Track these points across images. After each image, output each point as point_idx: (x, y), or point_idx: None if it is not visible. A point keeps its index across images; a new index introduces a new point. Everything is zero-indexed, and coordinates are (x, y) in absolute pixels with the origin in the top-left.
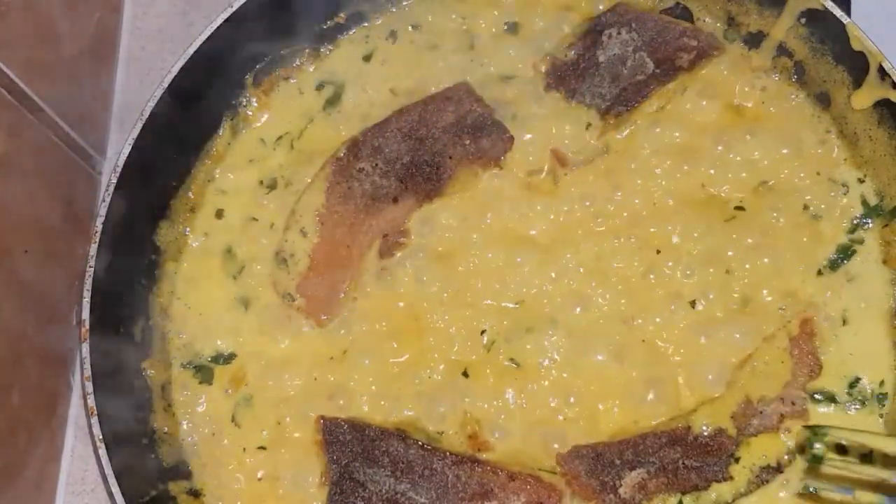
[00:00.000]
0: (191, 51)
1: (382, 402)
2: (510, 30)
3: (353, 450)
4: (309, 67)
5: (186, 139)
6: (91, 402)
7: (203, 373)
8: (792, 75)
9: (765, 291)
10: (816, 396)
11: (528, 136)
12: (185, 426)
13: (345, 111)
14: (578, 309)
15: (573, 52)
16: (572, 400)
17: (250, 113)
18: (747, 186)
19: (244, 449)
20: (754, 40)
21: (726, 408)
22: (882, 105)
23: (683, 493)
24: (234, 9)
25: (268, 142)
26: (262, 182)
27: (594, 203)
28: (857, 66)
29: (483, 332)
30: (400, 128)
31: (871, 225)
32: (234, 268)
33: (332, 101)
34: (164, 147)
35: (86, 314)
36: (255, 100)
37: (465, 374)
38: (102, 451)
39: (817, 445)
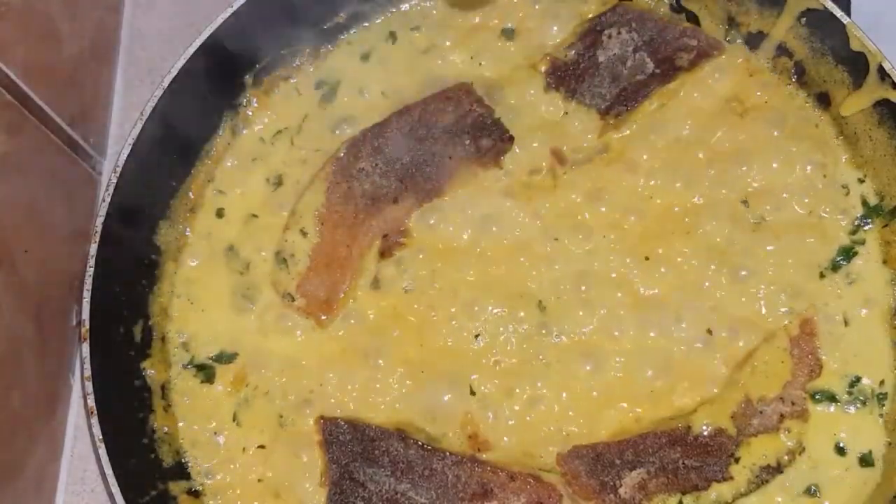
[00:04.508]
0: (191, 51)
1: (382, 402)
2: (510, 31)
3: (352, 450)
4: (308, 67)
5: (186, 139)
6: (91, 402)
7: (205, 372)
8: (792, 75)
9: (766, 292)
10: (816, 396)
11: (528, 135)
12: (185, 426)
13: (340, 110)
14: (578, 309)
15: (573, 52)
16: (572, 400)
17: (250, 113)
18: (747, 187)
19: (244, 449)
20: (754, 40)
21: (726, 408)
22: (882, 105)
23: (683, 493)
24: (234, 9)
25: (266, 140)
26: (268, 179)
27: (594, 203)
28: (857, 66)
29: (482, 332)
30: (400, 128)
31: (871, 225)
32: (234, 268)
33: (328, 99)
34: (164, 147)
35: (86, 314)
36: (255, 100)
37: (465, 375)
38: (102, 451)
39: None
